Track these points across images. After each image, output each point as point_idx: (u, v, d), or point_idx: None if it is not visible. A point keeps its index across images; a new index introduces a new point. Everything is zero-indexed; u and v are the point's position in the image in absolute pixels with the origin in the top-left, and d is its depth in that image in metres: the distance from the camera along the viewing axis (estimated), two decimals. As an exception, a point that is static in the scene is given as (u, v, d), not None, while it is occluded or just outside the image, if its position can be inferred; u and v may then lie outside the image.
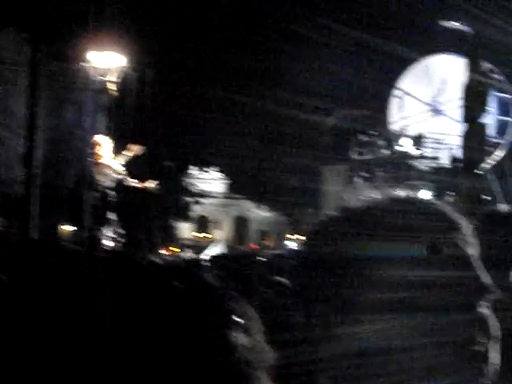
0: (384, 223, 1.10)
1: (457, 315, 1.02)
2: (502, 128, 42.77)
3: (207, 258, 16.37)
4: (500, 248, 2.74)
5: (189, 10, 45.82)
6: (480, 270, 1.06)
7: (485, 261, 2.92)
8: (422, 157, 40.44)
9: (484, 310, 1.05)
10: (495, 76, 35.77)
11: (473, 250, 1.12)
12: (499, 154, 42.26)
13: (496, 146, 41.85)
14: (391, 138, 41.13)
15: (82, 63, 25.25)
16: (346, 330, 1.09)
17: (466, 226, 1.13)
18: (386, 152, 40.67)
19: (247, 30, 48.61)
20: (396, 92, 44.51)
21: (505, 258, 2.74)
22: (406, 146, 40.47)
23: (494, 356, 1.06)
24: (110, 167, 19.00)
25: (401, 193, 1.24)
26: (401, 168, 39.93)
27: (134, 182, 19.38)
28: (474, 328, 1.03)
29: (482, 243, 2.83)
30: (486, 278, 1.07)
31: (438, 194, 37.69)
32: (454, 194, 34.82)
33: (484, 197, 17.07)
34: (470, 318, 1.03)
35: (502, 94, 40.47)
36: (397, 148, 40.52)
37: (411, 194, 1.24)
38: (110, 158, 19.07)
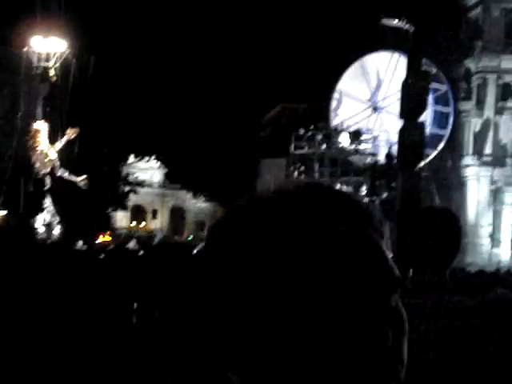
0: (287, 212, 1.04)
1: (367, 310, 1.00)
2: (442, 121, 43.58)
3: (137, 246, 16.25)
4: (436, 245, 2.75)
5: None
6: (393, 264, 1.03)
7: (416, 256, 2.93)
8: (359, 153, 40.82)
9: (396, 304, 1.02)
10: (432, 70, 36.31)
11: (385, 244, 1.06)
12: (440, 147, 43.01)
13: (438, 140, 42.57)
14: (330, 134, 41.39)
15: (23, 48, 24.82)
16: None
17: (380, 220, 1.07)
18: (324, 147, 40.94)
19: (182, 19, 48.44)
20: (336, 88, 44.87)
21: (440, 254, 2.75)
22: (344, 141, 40.79)
23: (405, 352, 1.05)
24: (46, 154, 18.78)
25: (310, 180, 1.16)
26: (338, 163, 40.24)
27: (69, 170, 19.20)
28: (386, 324, 1.00)
29: (416, 239, 2.84)
30: (397, 272, 1.04)
31: (375, 190, 38.12)
32: (390, 190, 35.28)
33: (420, 195, 17.27)
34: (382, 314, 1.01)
35: (438, 86, 41.15)
36: (335, 143, 40.82)
37: (323, 181, 1.18)
38: (47, 145, 18.85)
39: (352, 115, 42.83)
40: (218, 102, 50.87)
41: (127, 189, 53.70)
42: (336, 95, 45.20)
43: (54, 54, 22.67)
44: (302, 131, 41.89)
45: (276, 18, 47.91)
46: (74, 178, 19.13)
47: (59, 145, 18.82)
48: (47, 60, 22.58)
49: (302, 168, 41.11)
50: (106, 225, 41.67)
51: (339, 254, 1.01)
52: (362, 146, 41.20)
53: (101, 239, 28.93)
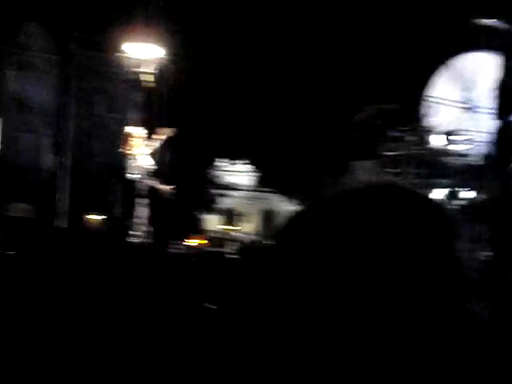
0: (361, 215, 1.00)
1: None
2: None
3: (233, 250, 16.34)
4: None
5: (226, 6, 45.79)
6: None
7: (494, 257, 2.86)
8: (452, 154, 40.08)
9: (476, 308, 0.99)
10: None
11: (461, 244, 1.00)
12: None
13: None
14: (422, 134, 40.81)
15: (117, 54, 25.23)
16: None
17: (454, 220, 1.02)
18: (416, 148, 40.41)
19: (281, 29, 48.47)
20: (428, 88, 44.16)
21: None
22: (437, 142, 40.13)
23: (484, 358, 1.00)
24: (140, 158, 18.98)
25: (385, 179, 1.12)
26: (431, 165, 39.64)
27: (162, 173, 19.38)
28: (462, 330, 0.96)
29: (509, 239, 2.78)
30: (475, 276, 0.99)
31: (468, 192, 37.37)
32: (483, 191, 34.52)
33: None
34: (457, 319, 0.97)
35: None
36: (427, 144, 40.21)
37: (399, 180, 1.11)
38: (140, 149, 19.04)
39: (445, 116, 42.15)
40: (308, 104, 50.75)
41: (219, 192, 54.08)
42: (428, 96, 44.53)
43: (150, 61, 22.96)
44: (394, 132, 41.47)
45: (368, 16, 47.52)
46: (161, 187, 19.29)
47: (152, 147, 19.03)
48: (143, 66, 22.88)
49: (394, 170, 40.69)
50: (198, 228, 42.05)
51: (413, 256, 0.96)
52: (455, 147, 40.47)
53: (193, 242, 29.23)
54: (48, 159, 42.63)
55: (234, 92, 47.23)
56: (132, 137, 19.22)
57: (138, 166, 19.07)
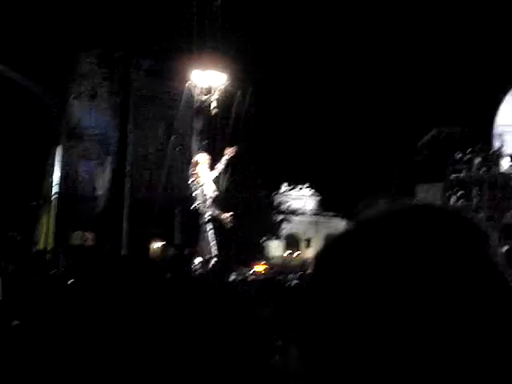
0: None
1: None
2: None
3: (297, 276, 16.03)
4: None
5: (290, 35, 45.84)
6: None
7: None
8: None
9: None
10: None
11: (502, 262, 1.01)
12: None
13: None
14: (489, 157, 40.00)
15: (183, 82, 25.19)
16: None
17: (492, 238, 1.03)
18: (483, 171, 39.58)
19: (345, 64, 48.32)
20: (496, 110, 43.38)
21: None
22: (505, 165, 39.30)
23: None
24: (205, 186, 18.89)
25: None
26: (498, 188, 38.84)
27: (224, 200, 19.31)
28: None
29: None
30: None
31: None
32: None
33: None
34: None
35: None
36: (495, 167, 39.43)
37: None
38: (204, 176, 18.93)
39: (511, 139, 41.26)
40: (371, 128, 50.33)
41: (280, 218, 53.91)
42: (496, 116, 43.67)
43: (214, 88, 22.88)
44: (459, 155, 40.76)
45: (430, 39, 47.01)
46: (221, 215, 19.17)
47: (218, 169, 18.90)
48: (207, 93, 22.79)
49: (460, 193, 39.95)
50: (260, 254, 41.76)
51: (455, 275, 0.96)
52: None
53: (255, 269, 28.92)
54: (108, 187, 42.75)
55: (297, 116, 47.16)
56: (198, 164, 19.14)
57: (201, 193, 18.97)
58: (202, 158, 19.35)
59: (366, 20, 47.33)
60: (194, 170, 18.99)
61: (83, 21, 25.30)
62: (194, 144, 23.15)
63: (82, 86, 34.33)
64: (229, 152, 19.11)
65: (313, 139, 50.27)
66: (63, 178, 36.21)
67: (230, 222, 19.32)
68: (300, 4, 42.93)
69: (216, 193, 19.03)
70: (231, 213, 19.36)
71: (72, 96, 30.00)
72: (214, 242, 19.25)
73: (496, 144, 41.73)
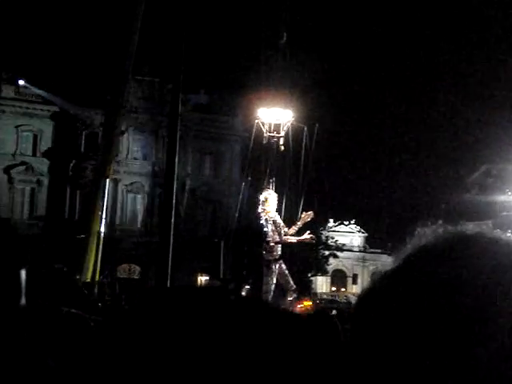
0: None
1: None
2: None
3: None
4: None
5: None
6: None
7: None
8: None
9: None
10: None
11: None
12: None
13: None
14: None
15: (250, 118, 25.26)
16: None
17: None
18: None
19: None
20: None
21: None
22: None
23: None
24: (276, 222, 19.03)
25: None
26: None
27: (291, 236, 19.38)
28: None
29: None
30: None
31: None
32: None
33: None
34: None
35: None
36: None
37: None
38: (275, 213, 19.13)
39: None
40: (413, 164, 49.93)
41: (327, 253, 53.56)
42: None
43: (282, 125, 22.92)
44: (509, 192, 40.22)
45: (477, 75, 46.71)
46: (300, 238, 19.24)
47: (295, 228, 19.01)
48: (274, 131, 22.86)
49: (510, 231, 39.31)
50: (307, 290, 41.39)
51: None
52: None
53: (302, 305, 28.64)
54: (154, 220, 42.77)
55: (349, 153, 47.12)
56: (268, 201, 19.27)
57: (276, 230, 19.07)
58: (270, 195, 19.51)
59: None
60: (263, 206, 19.15)
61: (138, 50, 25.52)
62: (265, 180, 23.14)
63: (132, 118, 34.54)
64: (306, 216, 19.28)
65: (357, 175, 50.09)
66: (110, 210, 36.32)
67: (312, 239, 19.46)
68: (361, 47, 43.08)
69: (285, 228, 19.11)
70: (310, 235, 19.47)
71: (122, 128, 30.19)
72: (289, 277, 19.36)
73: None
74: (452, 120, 47.34)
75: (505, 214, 39.70)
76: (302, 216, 19.22)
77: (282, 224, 19.01)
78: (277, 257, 18.96)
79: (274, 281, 18.96)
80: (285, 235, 18.93)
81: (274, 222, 19.02)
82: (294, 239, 19.13)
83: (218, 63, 31.79)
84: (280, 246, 19.15)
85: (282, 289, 19.35)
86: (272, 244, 18.90)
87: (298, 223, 19.09)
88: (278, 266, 19.20)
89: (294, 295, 18.71)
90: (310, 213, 19.26)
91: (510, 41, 44.23)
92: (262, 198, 19.01)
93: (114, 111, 25.57)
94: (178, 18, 18.31)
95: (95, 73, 41.46)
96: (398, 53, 46.10)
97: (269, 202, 18.94)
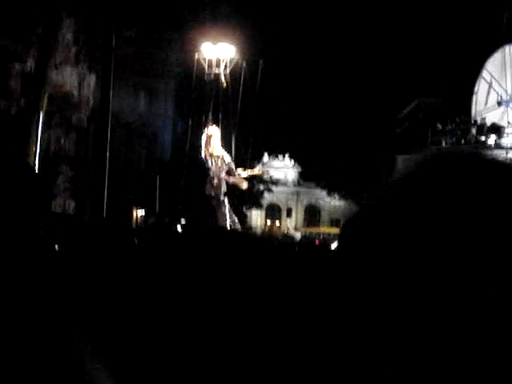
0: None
1: None
2: None
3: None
4: None
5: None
6: None
7: None
8: (500, 147, 39.40)
9: None
10: None
11: None
12: None
13: None
14: (469, 128, 40.19)
15: (193, 54, 25.09)
16: None
17: None
18: (464, 142, 39.79)
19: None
20: (476, 81, 43.47)
21: None
22: (484, 135, 39.50)
23: None
24: (222, 158, 19.20)
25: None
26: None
27: (236, 172, 19.61)
28: None
29: None
30: None
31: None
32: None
33: None
34: None
35: None
36: (476, 138, 39.60)
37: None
38: (220, 149, 19.29)
39: (493, 108, 41.40)
40: (352, 99, 50.35)
41: (262, 188, 53.94)
42: (476, 88, 43.78)
43: (223, 60, 22.82)
44: (439, 126, 40.90)
45: (408, 9, 46.98)
46: (250, 172, 19.60)
47: (242, 174, 19.23)
48: (216, 66, 22.75)
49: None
50: (242, 223, 41.85)
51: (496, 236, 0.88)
52: (503, 140, 39.75)
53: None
54: (89, 154, 42.69)
55: (285, 88, 47.09)
56: (212, 137, 19.40)
57: (221, 166, 19.30)
58: (214, 131, 19.61)
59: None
60: (207, 143, 19.26)
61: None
62: (208, 117, 23.13)
63: (65, 52, 34.03)
64: (257, 171, 19.57)
65: (292, 109, 50.27)
66: (45, 142, 35.97)
67: (260, 172, 19.81)
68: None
69: (232, 164, 19.31)
70: (249, 171, 19.77)
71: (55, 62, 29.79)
72: (231, 213, 19.61)
73: (474, 113, 41.94)
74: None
75: (434, 147, 40.43)
76: (254, 170, 19.60)
77: (231, 162, 19.21)
78: (223, 192, 19.25)
79: (229, 212, 19.31)
80: (238, 175, 19.26)
81: (221, 159, 19.20)
82: (245, 174, 19.45)
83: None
84: (224, 181, 19.39)
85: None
86: (216, 181, 19.14)
87: (248, 171, 19.40)
88: (226, 199, 19.54)
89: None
90: (261, 169, 19.69)
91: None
92: (205, 134, 19.15)
93: (47, 44, 25.31)
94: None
95: (26, 4, 40.60)
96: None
97: (213, 138, 19.13)
